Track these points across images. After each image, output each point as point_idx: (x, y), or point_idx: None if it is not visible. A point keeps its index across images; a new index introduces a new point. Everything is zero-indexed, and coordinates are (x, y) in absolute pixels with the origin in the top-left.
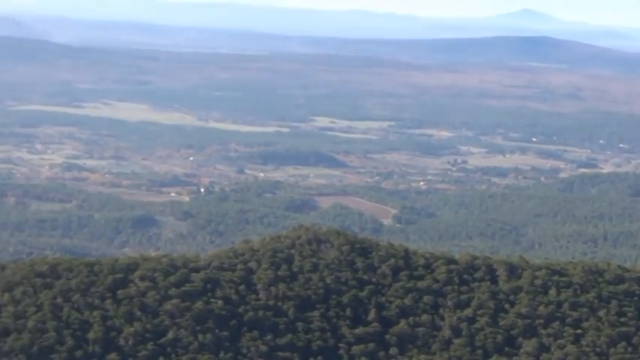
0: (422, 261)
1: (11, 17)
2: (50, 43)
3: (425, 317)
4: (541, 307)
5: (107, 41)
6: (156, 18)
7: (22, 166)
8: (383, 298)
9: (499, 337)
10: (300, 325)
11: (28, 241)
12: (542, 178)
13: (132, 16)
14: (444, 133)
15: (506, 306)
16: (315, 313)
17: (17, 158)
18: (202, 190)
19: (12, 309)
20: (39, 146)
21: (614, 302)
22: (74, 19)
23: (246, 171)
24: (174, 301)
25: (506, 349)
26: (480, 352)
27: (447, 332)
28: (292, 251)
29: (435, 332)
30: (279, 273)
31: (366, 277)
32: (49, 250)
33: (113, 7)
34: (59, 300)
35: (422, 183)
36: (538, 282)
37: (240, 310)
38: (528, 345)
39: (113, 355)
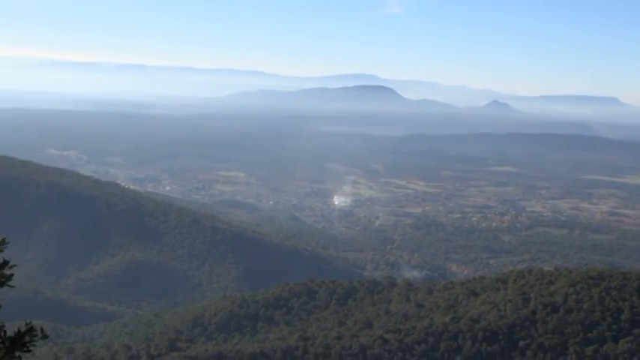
0: None
1: (578, 122)
2: (602, 138)
3: None
4: None
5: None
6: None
7: (584, 212)
8: None
9: None
10: None
11: (585, 257)
12: None
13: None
14: None
15: None
16: None
17: (582, 207)
18: None
19: (574, 297)
20: (594, 200)
21: None
22: (623, 124)
23: None
24: None
25: None
26: None
27: None
28: None
29: None
30: None
31: None
32: (598, 263)
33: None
34: (603, 294)
35: None
36: None
37: None
38: None
39: None
